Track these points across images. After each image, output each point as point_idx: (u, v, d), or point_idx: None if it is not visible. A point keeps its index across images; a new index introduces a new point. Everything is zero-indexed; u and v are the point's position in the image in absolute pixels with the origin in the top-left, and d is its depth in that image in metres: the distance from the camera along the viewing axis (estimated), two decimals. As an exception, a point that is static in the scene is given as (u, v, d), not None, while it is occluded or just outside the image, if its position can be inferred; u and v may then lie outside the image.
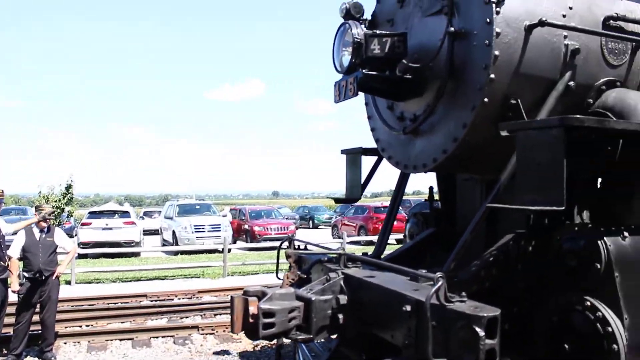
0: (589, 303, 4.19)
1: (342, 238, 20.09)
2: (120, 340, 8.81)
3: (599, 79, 4.71)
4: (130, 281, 15.80)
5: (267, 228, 27.64)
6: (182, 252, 22.46)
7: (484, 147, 4.59)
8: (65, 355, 7.99)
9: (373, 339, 4.50)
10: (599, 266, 4.17)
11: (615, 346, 3.98)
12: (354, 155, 6.22)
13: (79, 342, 8.65)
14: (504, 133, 4.16)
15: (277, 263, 5.75)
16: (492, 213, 5.26)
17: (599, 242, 4.18)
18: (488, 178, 5.20)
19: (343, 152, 6.35)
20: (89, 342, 8.69)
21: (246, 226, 28.47)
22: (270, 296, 4.49)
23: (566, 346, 4.31)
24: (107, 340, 8.77)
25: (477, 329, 3.35)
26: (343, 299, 4.54)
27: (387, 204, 6.38)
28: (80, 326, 9.77)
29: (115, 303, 11.75)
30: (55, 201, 23.94)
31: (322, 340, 5.12)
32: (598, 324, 4.09)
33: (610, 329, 4.03)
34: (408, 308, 3.73)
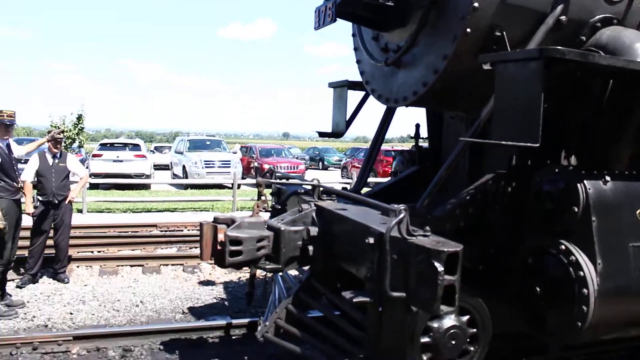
0: (563, 247, 4.07)
1: (352, 179, 20.00)
2: (131, 266, 8.97)
3: (595, 15, 4.40)
4: (140, 212, 15.99)
5: (276, 166, 27.57)
6: (192, 187, 22.58)
7: (466, 81, 4.38)
8: (77, 277, 8.19)
9: (343, 272, 4.45)
10: (576, 210, 4.02)
11: (585, 290, 3.88)
12: (340, 90, 6.02)
13: (91, 267, 8.84)
14: (485, 66, 3.95)
15: (259, 195, 5.67)
16: (476, 152, 5.13)
17: (579, 185, 4.02)
18: (474, 116, 5.00)
19: (330, 85, 6.15)
20: (100, 266, 8.88)
21: (256, 164, 28.47)
22: (239, 224, 4.43)
23: (537, 289, 4.22)
24: (118, 266, 8.93)
25: (436, 264, 3.25)
26: (314, 230, 4.46)
27: (398, 148, 6.22)
28: (92, 252, 9.93)
29: (126, 232, 11.87)
30: (66, 131, 24.06)
31: (293, 271, 5.09)
32: (571, 268, 3.98)
33: (582, 273, 3.92)
34: (371, 240, 3.63)
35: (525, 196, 4.46)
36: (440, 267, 3.24)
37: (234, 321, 5.82)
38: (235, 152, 29.05)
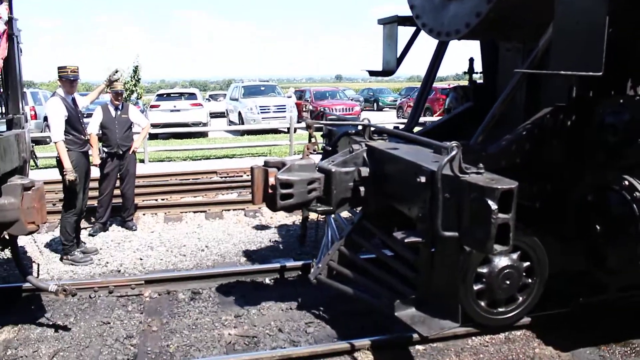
0: (627, 182, 3.87)
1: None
2: (195, 212, 9.14)
3: None
4: (200, 159, 16.21)
5: (332, 109, 27.39)
6: (249, 132, 22.73)
7: (522, 9, 4.12)
8: (144, 224, 8.48)
9: (396, 212, 4.39)
10: (641, 142, 3.79)
11: (649, 228, 3.70)
12: (390, 27, 5.79)
13: (156, 214, 9.09)
14: (545, -10, 3.69)
15: (309, 137, 5.63)
16: (533, 84, 4.88)
17: (645, 116, 3.77)
18: (531, 46, 4.73)
19: (380, 21, 5.93)
20: (165, 213, 9.10)
21: (311, 107, 28.35)
22: (289, 167, 4.41)
23: (597, 227, 4.05)
24: (182, 213, 9.13)
25: (490, 202, 3.14)
26: (365, 171, 4.39)
27: (454, 85, 6.00)
28: (157, 200, 10.15)
29: (187, 179, 12.06)
30: (125, 83, 24.52)
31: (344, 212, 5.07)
32: (634, 205, 3.79)
33: (646, 209, 3.73)
34: (423, 179, 3.55)
35: (587, 129, 4.23)
36: (494, 205, 3.14)
37: (288, 264, 5.90)
38: (289, 97, 28.97)
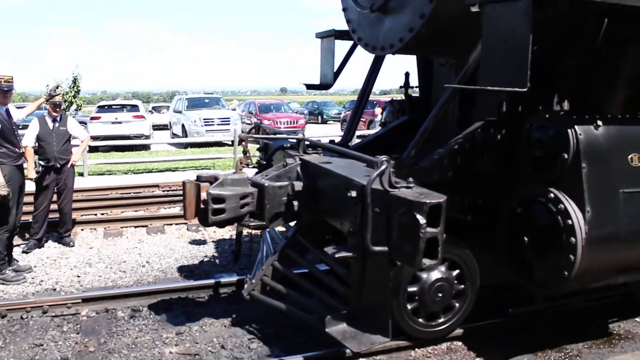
0: (552, 195, 3.96)
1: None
2: (135, 227, 8.86)
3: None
4: (141, 173, 15.83)
5: (276, 122, 27.32)
6: (192, 145, 22.41)
7: (454, 25, 4.20)
8: (83, 240, 8.15)
9: (331, 227, 4.37)
10: (566, 156, 3.90)
11: (573, 239, 3.80)
12: (328, 41, 5.81)
13: (95, 229, 8.77)
14: (473, 8, 3.76)
15: (244, 151, 5.55)
16: (466, 99, 4.97)
17: (569, 130, 3.88)
18: (464, 62, 4.82)
19: (317, 35, 5.94)
20: (105, 228, 8.78)
21: (255, 120, 28.16)
22: (221, 181, 4.32)
23: (525, 238, 4.13)
24: (122, 227, 8.83)
25: (418, 216, 3.15)
26: (298, 185, 4.35)
27: (398, 98, 6.03)
28: (96, 214, 9.81)
29: (128, 193, 11.67)
30: (64, 94, 23.68)
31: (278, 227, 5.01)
32: (559, 217, 3.88)
33: (570, 221, 3.82)
34: (353, 194, 3.54)
35: (516, 144, 4.33)
36: (422, 220, 3.15)
37: (222, 280, 5.79)
38: (234, 109, 28.78)
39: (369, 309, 3.67)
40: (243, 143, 4.70)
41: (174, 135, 26.30)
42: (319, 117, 39.52)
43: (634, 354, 4.46)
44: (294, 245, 4.64)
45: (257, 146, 5.52)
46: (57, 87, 7.68)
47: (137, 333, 4.95)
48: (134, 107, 25.23)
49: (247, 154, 4.61)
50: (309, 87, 5.98)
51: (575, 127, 3.87)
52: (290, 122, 27.75)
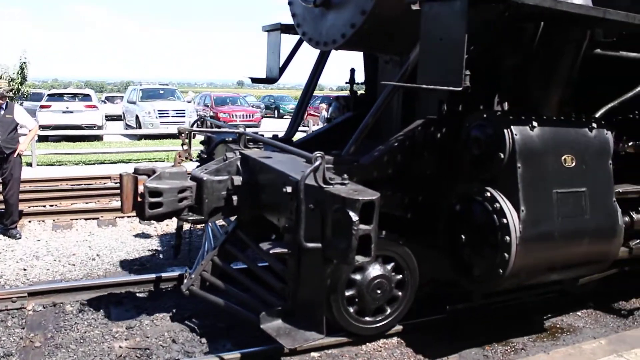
0: (488, 194, 4.01)
1: (309, 127, 19.71)
2: (86, 219, 8.60)
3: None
4: (93, 164, 15.44)
5: (232, 115, 27.13)
6: (146, 137, 21.99)
7: (395, 23, 4.20)
8: (30, 232, 7.88)
9: (270, 222, 4.33)
10: (502, 156, 3.95)
11: (507, 238, 3.85)
12: (274, 35, 5.75)
13: (43, 221, 8.48)
14: (413, 6, 3.77)
15: (182, 145, 5.45)
16: (409, 98, 5.00)
17: (506, 130, 3.93)
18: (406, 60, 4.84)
19: (264, 29, 5.87)
20: (53, 220, 8.51)
21: (211, 112, 27.86)
22: (159, 175, 4.24)
23: (462, 237, 4.17)
24: (72, 220, 8.56)
25: (351, 213, 3.14)
26: (237, 179, 4.30)
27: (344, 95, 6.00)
28: (44, 206, 9.52)
29: (79, 184, 11.34)
30: (10, 81, 22.97)
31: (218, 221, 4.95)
32: (495, 215, 3.94)
33: (505, 220, 3.88)
34: (289, 189, 3.50)
35: (456, 142, 4.37)
36: (355, 217, 3.14)
37: (174, 273, 5.68)
38: (189, 101, 28.40)
39: (304, 305, 3.65)
40: (182, 136, 4.61)
41: (128, 127, 25.78)
42: (276, 111, 39.34)
43: (574, 346, 4.59)
44: (233, 241, 4.59)
45: (201, 140, 5.43)
46: (11, 91, 7.41)
47: (86, 327, 4.81)
48: (86, 97, 24.59)
49: (187, 147, 4.52)
50: (254, 80, 5.91)
51: (512, 127, 3.93)
52: (246, 115, 27.58)
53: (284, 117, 38.08)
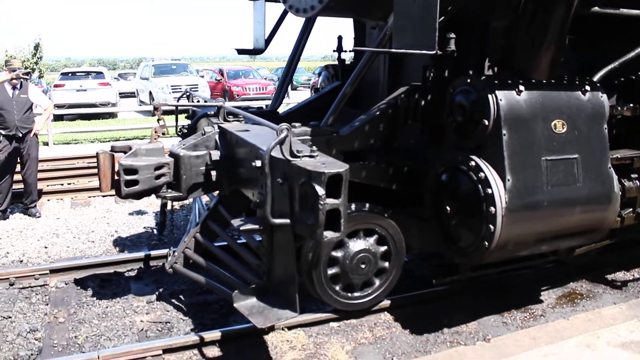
0: (473, 163, 3.83)
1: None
2: (104, 196, 8.60)
3: None
4: (108, 141, 15.40)
5: (245, 88, 26.94)
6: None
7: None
8: (49, 211, 7.96)
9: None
10: (486, 123, 3.76)
11: (492, 209, 3.68)
12: (259, 4, 5.52)
13: (62, 199, 8.46)
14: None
15: (176, 118, 5.34)
16: (395, 64, 4.79)
17: (489, 96, 3.74)
18: (388, 24, 4.62)
19: (249, -2, 5.67)
20: (72, 199, 8.60)
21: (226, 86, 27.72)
22: (134, 151, 4.13)
23: (447, 208, 4.01)
24: (89, 197, 8.64)
25: (317, 187, 2.99)
26: (215, 154, 4.17)
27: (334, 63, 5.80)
28: (62, 184, 9.50)
29: (95, 162, 11.49)
30: (24, 61, 23.08)
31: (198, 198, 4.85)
32: (479, 185, 3.76)
33: (490, 190, 3.70)
34: (258, 163, 3.36)
35: (441, 110, 4.17)
36: (321, 191, 2.98)
37: (152, 252, 5.63)
38: (202, 76, 28.26)
39: (278, 282, 3.53)
40: (156, 111, 4.48)
41: (142, 103, 25.80)
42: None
43: (594, 311, 4.49)
44: (215, 217, 4.48)
45: (186, 115, 5.31)
46: (27, 73, 7.43)
47: (107, 302, 4.85)
48: (100, 74, 24.61)
49: (162, 123, 4.40)
50: (240, 51, 5.72)
51: (496, 92, 3.73)
52: (259, 88, 27.34)
53: (297, 89, 37.71)
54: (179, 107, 5.18)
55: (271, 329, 4.17)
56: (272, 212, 3.21)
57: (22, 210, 7.77)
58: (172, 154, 4.20)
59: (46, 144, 14.00)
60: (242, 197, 4.42)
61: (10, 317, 4.59)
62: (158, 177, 4.14)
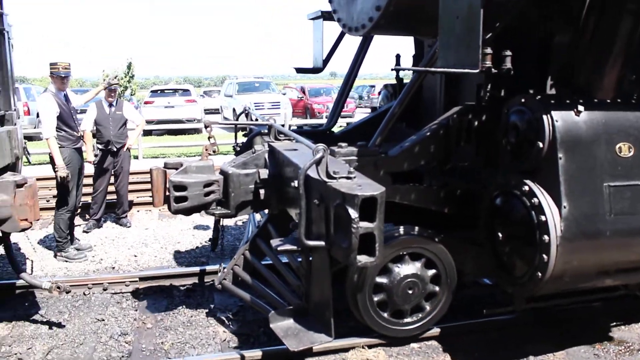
0: (527, 187, 3.61)
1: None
2: None
3: None
4: (194, 156, 15.94)
5: (326, 106, 27.14)
6: (243, 129, 22.51)
7: (420, 4, 3.87)
8: (139, 221, 8.38)
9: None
10: (541, 145, 3.54)
11: (546, 237, 3.45)
12: (318, 23, 5.49)
13: (150, 211, 8.86)
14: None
15: (235, 136, 5.42)
16: (452, 84, 4.64)
17: (545, 116, 3.52)
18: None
19: (308, 17, 5.66)
20: (159, 210, 8.76)
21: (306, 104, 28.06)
22: (185, 169, 4.21)
23: (499, 234, 3.80)
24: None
25: (350, 210, 2.91)
26: (264, 173, 4.17)
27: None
28: (151, 196, 9.98)
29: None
30: (120, 78, 24.41)
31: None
32: (533, 212, 3.54)
33: (544, 217, 3.47)
34: (296, 184, 3.32)
35: (497, 130, 3.98)
36: (354, 214, 2.90)
37: (207, 267, 5.71)
38: (284, 93, 28.75)
39: (315, 305, 3.46)
40: (208, 129, 4.55)
41: (226, 119, 26.56)
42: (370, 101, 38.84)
43: None
44: (264, 235, 4.48)
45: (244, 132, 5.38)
46: (116, 77, 7.92)
47: (192, 312, 5.00)
48: (186, 92, 25.55)
49: (213, 140, 4.45)
50: (299, 70, 5.74)
51: (552, 112, 3.51)
52: (341, 106, 27.47)
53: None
54: (238, 125, 5.23)
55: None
56: (307, 233, 3.16)
57: (114, 219, 8.19)
58: (222, 172, 4.24)
59: (136, 157, 14.63)
60: (290, 216, 4.41)
61: (103, 320, 4.84)
62: (207, 194, 4.20)
